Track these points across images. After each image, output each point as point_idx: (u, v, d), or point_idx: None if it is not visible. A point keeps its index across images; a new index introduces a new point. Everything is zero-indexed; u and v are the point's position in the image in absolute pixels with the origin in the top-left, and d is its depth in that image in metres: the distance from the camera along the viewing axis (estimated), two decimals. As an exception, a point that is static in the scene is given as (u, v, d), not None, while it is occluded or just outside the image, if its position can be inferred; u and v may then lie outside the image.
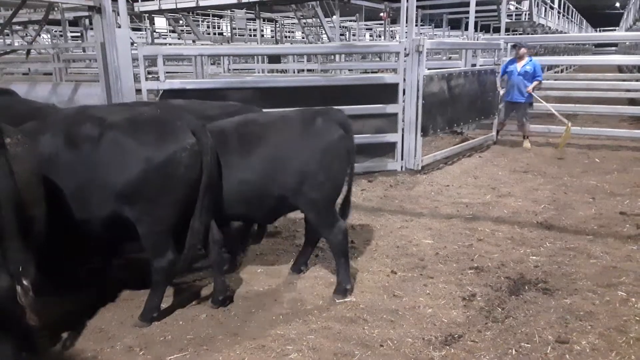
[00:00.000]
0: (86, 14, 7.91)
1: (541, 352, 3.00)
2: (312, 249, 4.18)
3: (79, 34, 13.20)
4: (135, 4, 11.94)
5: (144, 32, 13.55)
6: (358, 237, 4.73)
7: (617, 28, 29.23)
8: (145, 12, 11.93)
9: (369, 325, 3.31)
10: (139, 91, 5.27)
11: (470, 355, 2.98)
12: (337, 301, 3.62)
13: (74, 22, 12.76)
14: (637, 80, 11.84)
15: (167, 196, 3.18)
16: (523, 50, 8.56)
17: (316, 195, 3.59)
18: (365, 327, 3.29)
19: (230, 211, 3.64)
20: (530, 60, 8.56)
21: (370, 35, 24.70)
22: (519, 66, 8.55)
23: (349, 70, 12.46)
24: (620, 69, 16.51)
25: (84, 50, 11.44)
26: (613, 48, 21.69)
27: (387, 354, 3.02)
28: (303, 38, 16.64)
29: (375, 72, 11.34)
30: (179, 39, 14.00)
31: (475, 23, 14.59)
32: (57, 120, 3.37)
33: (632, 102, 11.54)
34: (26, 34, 12.10)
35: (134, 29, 14.48)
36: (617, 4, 40.31)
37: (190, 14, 12.58)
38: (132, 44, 5.24)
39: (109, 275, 3.82)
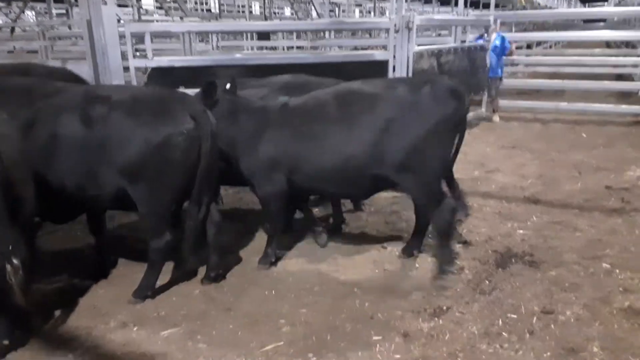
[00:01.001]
0: (70, -10, 7.76)
1: (527, 322, 3.09)
2: (426, 231, 3.96)
3: (64, 11, 12.91)
4: (120, -21, 11.69)
5: (130, 9, 13.28)
6: (348, 213, 4.78)
7: (605, 3, 29.17)
8: (131, -12, 11.71)
9: (359, 299, 3.37)
10: (126, 69, 5.21)
11: (458, 327, 3.06)
12: (439, 283, 3.48)
13: (58, -1, 12.48)
14: (624, 56, 11.88)
15: (164, 179, 3.19)
16: (493, 26, 8.85)
17: (423, 172, 3.37)
18: (356, 301, 3.36)
19: (323, 186, 3.59)
20: (499, 35, 8.83)
21: (360, 12, 24.44)
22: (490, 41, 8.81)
23: (339, 47, 12.35)
24: (608, 44, 16.55)
25: (69, 28, 11.22)
26: (601, 23, 21.66)
27: (377, 326, 3.09)
28: (292, 15, 16.44)
29: (365, 49, 11.26)
30: (166, 15, 13.75)
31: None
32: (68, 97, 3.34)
33: (619, 77, 11.61)
34: (10, 11, 11.82)
35: (120, 6, 14.18)
36: (607, -21, 40.19)
37: (177, -10, 12.36)
38: (118, 20, 5.16)
39: (102, 252, 3.83)
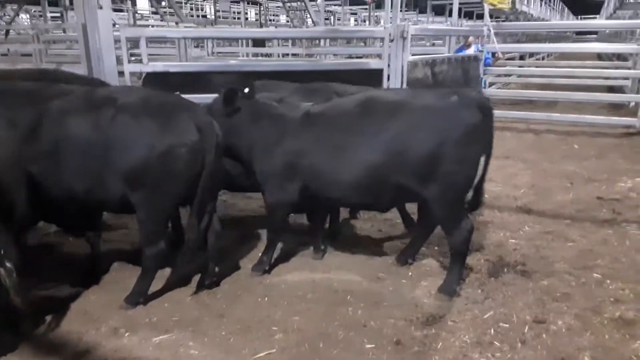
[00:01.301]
0: (66, -7, 7.75)
1: (519, 331, 3.10)
2: (424, 241, 4.00)
3: (59, 15, 12.89)
4: (116, -16, 11.71)
5: (125, 14, 13.29)
6: (342, 221, 4.78)
7: (597, 16, 29.55)
8: (127, -8, 11.72)
9: (352, 307, 3.37)
10: (121, 73, 5.19)
11: (451, 335, 3.06)
12: (443, 298, 3.44)
13: (54, 2, 12.46)
14: (616, 68, 12.04)
15: (164, 188, 3.17)
16: (471, 38, 9.04)
17: (446, 186, 3.30)
18: (349, 309, 3.35)
19: (343, 196, 3.54)
20: (476, 45, 9.15)
21: (355, 20, 24.59)
22: (468, 52, 8.94)
23: (334, 55, 12.41)
24: (600, 56, 16.75)
25: (64, 32, 11.19)
26: (593, 36, 21.94)
27: (370, 334, 3.09)
28: (288, 22, 16.51)
29: (360, 58, 11.32)
30: (161, 20, 13.76)
31: (459, 9, 14.62)
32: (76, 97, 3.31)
33: (611, 89, 11.74)
34: (4, 14, 11.77)
35: (115, 10, 14.18)
36: (599, -8, 40.72)
37: (173, -4, 12.40)
38: (113, 25, 5.15)
39: (95, 258, 3.81)
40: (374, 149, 3.31)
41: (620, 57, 14.01)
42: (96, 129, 3.10)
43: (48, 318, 3.21)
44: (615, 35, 16.79)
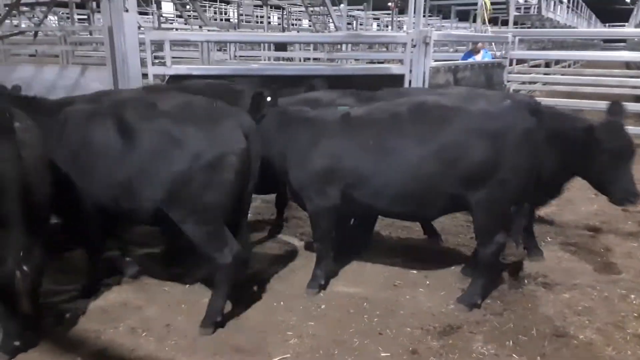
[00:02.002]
0: (93, -3, 7.91)
1: (539, 345, 3.04)
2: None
3: (86, 17, 13.17)
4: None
5: (150, 17, 13.51)
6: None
7: (626, 24, 28.97)
8: (153, -4, 11.93)
9: (368, 314, 3.35)
10: (145, 76, 5.28)
11: (468, 346, 3.02)
12: (462, 309, 3.38)
13: (81, 5, 12.73)
14: (644, 77, 11.76)
15: (213, 199, 3.00)
16: (480, 44, 8.92)
17: (497, 194, 3.21)
18: (365, 316, 3.33)
19: (387, 205, 3.40)
20: (486, 52, 8.90)
21: (377, 25, 24.54)
22: (477, 58, 8.79)
23: (356, 60, 12.40)
24: (628, 65, 16.42)
25: (90, 34, 11.42)
26: (622, 44, 21.51)
27: (385, 342, 3.06)
28: (310, 26, 16.57)
29: (382, 63, 11.28)
30: (185, 24, 13.94)
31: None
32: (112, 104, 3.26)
33: (638, 99, 11.46)
34: (33, 16, 12.07)
35: (141, 13, 14.41)
36: (627, 0, 39.94)
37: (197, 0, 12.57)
38: (139, 28, 5.23)
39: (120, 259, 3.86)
40: (430, 156, 3.19)
41: (649, 66, 13.72)
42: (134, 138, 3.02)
43: (67, 316, 3.26)
44: (644, 44, 16.45)
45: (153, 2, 12.86)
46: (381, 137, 3.29)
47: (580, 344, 3.06)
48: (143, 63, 5.27)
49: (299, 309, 3.41)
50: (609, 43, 23.72)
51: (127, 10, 5.35)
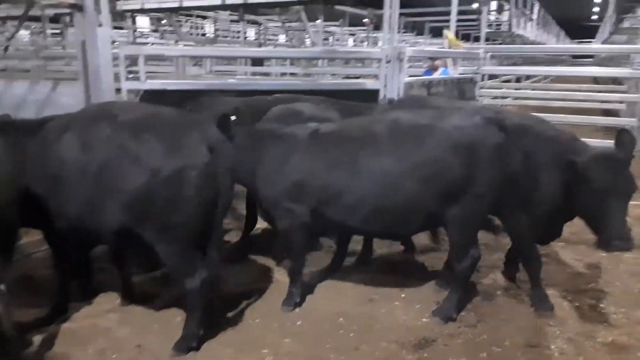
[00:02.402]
0: (67, 11, 7.81)
1: (512, 356, 3.08)
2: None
3: (59, 31, 12.99)
4: (117, 2, 11.79)
5: (125, 31, 13.39)
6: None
7: (593, 40, 29.95)
8: (128, 11, 11.83)
9: (344, 330, 3.34)
10: (118, 90, 5.23)
11: (443, 359, 3.03)
12: (437, 322, 3.42)
13: (55, 19, 12.57)
14: (611, 92, 12.13)
15: (176, 218, 2.87)
16: (438, 61, 9.02)
17: (469, 210, 3.25)
18: (341, 331, 3.32)
19: (360, 223, 3.34)
20: (445, 70, 8.99)
21: (353, 41, 24.82)
22: (435, 75, 8.94)
23: (332, 75, 12.51)
24: (595, 80, 16.91)
25: (63, 48, 11.26)
26: (589, 59, 22.20)
27: (361, 357, 3.06)
28: (287, 41, 16.66)
29: (358, 78, 11.40)
30: (161, 39, 13.87)
31: (457, 32, 14.75)
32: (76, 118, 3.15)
33: (606, 112, 11.82)
34: (5, 30, 11.85)
35: (115, 28, 14.28)
36: (594, 17, 41.34)
37: (174, 14, 12.51)
38: (112, 43, 5.18)
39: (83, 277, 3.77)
40: (402, 173, 3.21)
41: (616, 81, 14.15)
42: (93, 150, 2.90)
43: (35, 339, 3.16)
44: (610, 60, 16.97)
45: (128, 17, 12.75)
46: (353, 155, 3.30)
47: (552, 354, 3.11)
48: (117, 78, 5.22)
49: (275, 326, 3.38)
50: (578, 59, 24.45)
51: (100, 25, 5.31)
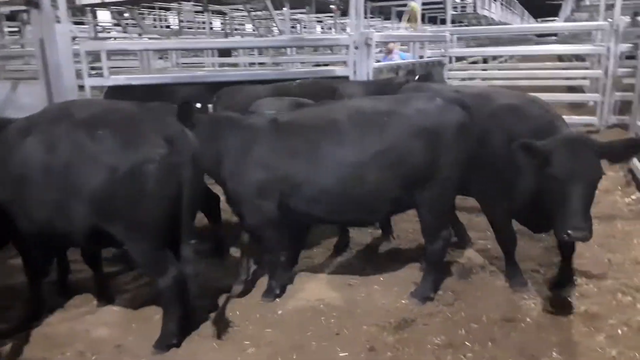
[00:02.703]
0: (23, 8, 7.54)
1: (489, 331, 3.15)
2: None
3: (17, 29, 12.55)
4: (76, -3, 11.47)
5: (86, 27, 13.03)
6: (312, 231, 4.76)
7: (556, 18, 30.49)
8: (87, 5, 11.50)
9: (325, 316, 3.36)
10: (81, 88, 5.11)
11: (423, 338, 3.09)
12: (415, 303, 3.45)
13: (11, 17, 12.14)
14: (575, 69, 12.40)
15: (143, 213, 2.83)
16: (391, 45, 9.09)
17: (440, 191, 3.27)
18: (322, 318, 3.34)
19: (326, 213, 3.31)
20: (402, 53, 9.09)
21: (321, 28, 24.70)
22: (395, 59, 9.04)
23: (301, 63, 12.44)
24: (560, 58, 17.25)
25: (22, 47, 10.89)
26: (553, 37, 22.60)
27: (343, 342, 3.08)
28: (253, 31, 16.48)
29: (327, 65, 11.37)
30: (124, 32, 13.55)
31: (423, 15, 14.83)
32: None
33: (571, 89, 12.09)
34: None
35: (76, 23, 13.88)
36: (556, -5, 42.11)
37: (135, 7, 12.22)
38: (73, 39, 5.05)
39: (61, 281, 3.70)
40: (368, 160, 3.17)
41: (579, 57, 14.46)
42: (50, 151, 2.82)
43: (11, 344, 3.09)
44: (573, 37, 17.32)
45: (88, 12, 12.41)
46: (316, 144, 3.24)
47: (528, 326, 3.19)
48: (79, 75, 5.09)
49: (256, 317, 3.37)
50: (542, 37, 24.89)
51: (59, 21, 5.15)
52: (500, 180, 3.43)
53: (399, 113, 3.26)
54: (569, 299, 3.43)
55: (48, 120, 2.97)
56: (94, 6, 12.08)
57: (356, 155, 3.19)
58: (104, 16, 16.24)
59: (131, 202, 2.79)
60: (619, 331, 3.08)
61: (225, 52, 12.84)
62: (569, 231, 2.84)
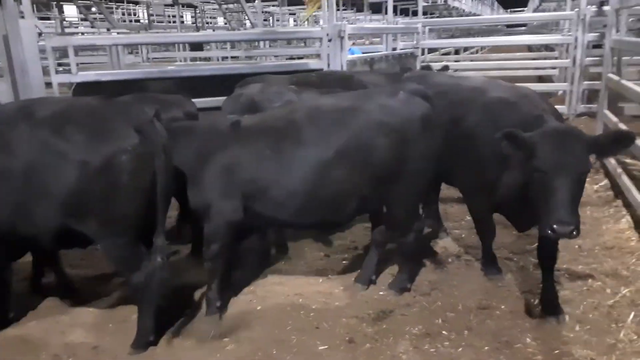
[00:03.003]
0: (-16, 3, 7.28)
1: (465, 319, 3.21)
2: (382, 253, 3.72)
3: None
4: (40, -9, 11.16)
5: (52, 22, 12.69)
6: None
7: (525, 9, 30.98)
8: (53, 0, 11.21)
9: (304, 310, 3.37)
10: (49, 85, 4.97)
11: (401, 328, 3.14)
12: (392, 294, 3.47)
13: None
14: (544, 59, 12.66)
15: (116, 207, 2.78)
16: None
17: (409, 185, 3.23)
18: (301, 312, 3.35)
19: (292, 217, 3.18)
20: (351, 50, 9.09)
21: (294, 21, 24.58)
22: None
23: (275, 56, 12.37)
24: (529, 48, 17.58)
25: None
26: (523, 28, 22.98)
27: (322, 335, 3.10)
28: (225, 24, 16.30)
29: (301, 58, 11.33)
30: (92, 27, 13.24)
31: (395, 7, 14.90)
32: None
33: (540, 79, 12.32)
34: None
35: (42, 19, 13.51)
36: (525, -14, 42.79)
37: (103, 1, 11.96)
38: (39, 34, 4.91)
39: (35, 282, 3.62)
40: (333, 160, 3.09)
41: (548, 47, 14.74)
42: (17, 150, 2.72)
43: (-18, 349, 3.02)
44: (542, 27, 17.63)
45: (54, 6, 12.07)
46: (279, 145, 3.13)
47: (503, 313, 3.27)
48: (46, 72, 4.95)
49: (235, 314, 3.37)
50: (512, 28, 25.26)
51: (23, 17, 5.00)
52: (484, 173, 3.37)
53: (361, 109, 3.20)
54: (541, 285, 3.52)
55: (3, 121, 2.84)
56: (60, 0, 11.78)
57: (319, 154, 3.10)
58: (71, 11, 15.85)
59: (105, 197, 2.75)
60: (590, 316, 3.18)
61: (197, 46, 12.67)
62: (554, 226, 2.67)
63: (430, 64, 6.66)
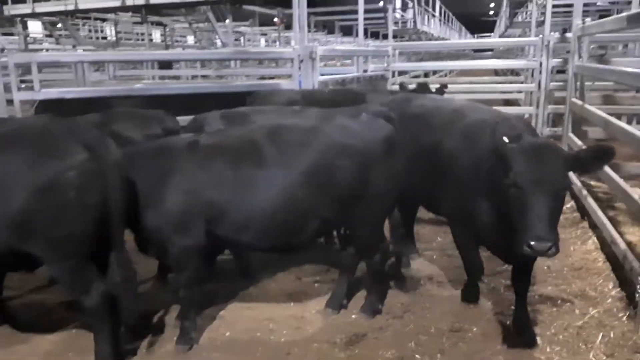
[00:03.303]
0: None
1: (438, 342, 3.18)
2: (352, 276, 3.64)
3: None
4: (4, 7, 10.86)
5: (16, 37, 12.37)
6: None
7: (492, 34, 32.01)
8: (17, 15, 10.91)
9: (274, 335, 3.29)
10: (10, 102, 4.81)
11: (373, 353, 3.08)
12: (365, 317, 3.43)
13: None
14: (510, 83, 13.00)
15: (65, 226, 2.67)
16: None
17: (374, 207, 3.19)
18: (271, 337, 3.27)
19: (252, 239, 3.07)
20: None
21: (265, 41, 24.70)
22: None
23: (246, 76, 12.34)
24: (496, 72, 18.08)
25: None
26: (489, 52, 23.70)
27: (293, 361, 3.01)
28: (195, 43, 16.22)
29: (272, 78, 11.34)
30: (57, 44, 12.96)
31: (366, 30, 15.13)
32: None
33: (507, 102, 12.65)
34: None
35: (4, 34, 13.17)
36: (491, 12, 44.33)
37: (69, 18, 11.73)
38: (2, 50, 4.77)
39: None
40: (294, 183, 3.01)
41: (514, 72, 15.19)
42: None
43: None
44: (508, 52, 18.19)
45: (18, 22, 11.78)
46: (238, 167, 3.02)
47: (475, 335, 3.25)
48: (7, 89, 4.80)
49: (204, 340, 3.25)
50: (479, 52, 26.03)
51: (-16, 32, 4.85)
52: (466, 200, 3.23)
53: (322, 131, 3.15)
54: (512, 307, 3.52)
55: None
56: (24, 16, 11.51)
57: (279, 176, 3.01)
58: (36, 27, 15.52)
59: (53, 216, 2.64)
60: (560, 337, 3.19)
61: (166, 65, 12.54)
62: (531, 242, 2.56)
63: (404, 82, 6.68)
